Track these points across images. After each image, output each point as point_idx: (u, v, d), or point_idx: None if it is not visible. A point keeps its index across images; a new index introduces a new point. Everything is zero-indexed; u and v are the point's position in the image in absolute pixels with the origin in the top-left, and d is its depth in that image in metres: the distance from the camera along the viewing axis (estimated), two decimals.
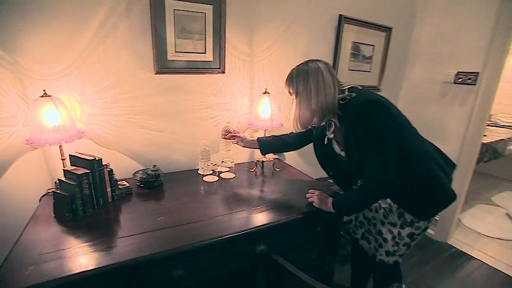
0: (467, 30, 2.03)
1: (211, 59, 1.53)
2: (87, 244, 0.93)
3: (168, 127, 1.54)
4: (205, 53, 1.51)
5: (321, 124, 1.24)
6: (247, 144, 1.46)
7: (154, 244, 0.94)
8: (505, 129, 3.40)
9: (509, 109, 3.76)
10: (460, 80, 2.07)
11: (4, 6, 1.09)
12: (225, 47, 1.54)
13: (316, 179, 2.14)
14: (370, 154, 1.00)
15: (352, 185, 1.30)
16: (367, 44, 2.08)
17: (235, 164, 1.62)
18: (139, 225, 1.06)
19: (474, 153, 2.14)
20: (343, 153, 1.21)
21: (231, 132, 1.46)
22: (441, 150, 1.18)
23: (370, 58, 2.16)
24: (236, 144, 1.48)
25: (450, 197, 1.07)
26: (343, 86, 1.10)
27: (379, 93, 1.18)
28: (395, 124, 1.01)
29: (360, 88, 1.08)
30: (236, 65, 1.63)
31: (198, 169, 1.57)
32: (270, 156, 1.72)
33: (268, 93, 1.58)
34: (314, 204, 1.24)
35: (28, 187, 1.28)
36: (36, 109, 1.12)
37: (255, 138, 1.46)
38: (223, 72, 1.58)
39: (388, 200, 1.16)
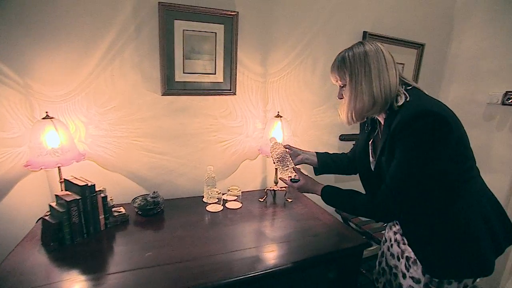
0: None
1: (221, 80, 1.46)
2: (66, 279, 0.84)
3: (174, 150, 1.46)
4: (215, 73, 1.43)
5: (369, 124, 1.06)
6: (303, 155, 1.21)
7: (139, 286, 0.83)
8: None
9: None
10: (510, 100, 1.79)
11: (17, 28, 1.10)
12: (236, 67, 1.46)
13: (336, 209, 1.94)
14: (396, 171, 0.82)
15: None
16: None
17: (242, 192, 1.49)
18: (128, 260, 0.95)
19: None
20: (374, 163, 1.00)
21: (280, 146, 1.19)
22: (505, 212, 0.93)
23: None
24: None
25: (483, 270, 0.83)
26: (407, 81, 0.92)
27: None
28: (450, 154, 0.80)
29: (424, 92, 0.90)
30: (248, 86, 1.53)
31: (203, 197, 1.46)
32: (283, 184, 1.56)
33: (281, 116, 1.45)
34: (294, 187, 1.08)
35: (29, 208, 1.25)
36: (37, 131, 1.10)
37: (312, 152, 1.24)
38: (234, 94, 1.49)
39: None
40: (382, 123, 0.95)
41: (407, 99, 0.84)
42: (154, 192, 1.33)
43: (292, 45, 1.58)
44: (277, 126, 1.44)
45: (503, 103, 1.83)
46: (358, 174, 1.11)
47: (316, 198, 1.63)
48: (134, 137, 1.37)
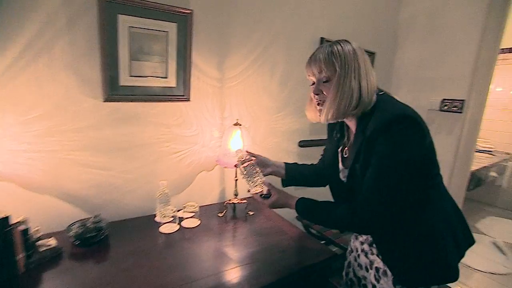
0: (451, 56, 1.95)
1: (174, 84, 1.31)
2: None
3: (120, 165, 1.27)
4: (166, 77, 1.28)
5: (337, 130, 1.01)
6: (271, 167, 1.14)
7: None
8: (484, 154, 3.38)
9: (483, 134, 3.77)
10: (446, 107, 1.97)
11: None
12: (190, 71, 1.32)
13: (296, 216, 1.92)
14: (375, 181, 0.79)
15: None
16: None
17: (200, 206, 1.36)
18: None
19: (463, 183, 2.01)
20: (345, 172, 0.95)
21: (248, 158, 1.09)
22: (463, 216, 0.96)
23: None
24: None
25: (450, 276, 0.85)
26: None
27: None
28: (423, 158, 0.80)
29: (394, 97, 0.88)
30: (204, 92, 1.41)
31: (156, 215, 1.30)
32: (243, 196, 1.48)
33: (240, 124, 1.36)
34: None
35: None
36: None
37: (280, 162, 1.17)
38: (188, 100, 1.36)
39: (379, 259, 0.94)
40: (353, 128, 0.92)
41: (379, 103, 0.83)
42: (95, 216, 1.13)
43: (250, 48, 1.50)
44: (237, 135, 1.34)
45: (441, 110, 2.01)
46: (328, 185, 1.08)
47: (279, 211, 1.59)
48: (68, 151, 1.15)
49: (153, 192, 1.32)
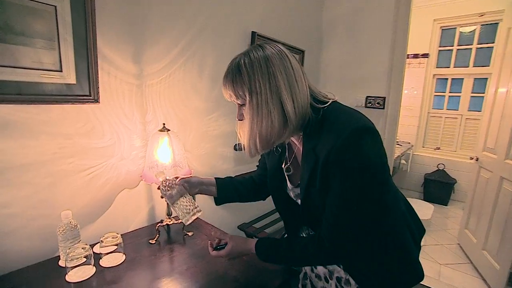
0: (370, 56, 2.09)
1: (73, 81, 0.98)
2: None
3: None
4: (61, 71, 0.95)
5: (279, 146, 0.87)
6: (205, 185, 0.98)
7: None
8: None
9: None
10: (370, 104, 2.10)
11: None
12: (97, 63, 1.01)
13: (238, 226, 1.76)
14: (339, 208, 0.68)
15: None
16: None
17: (124, 234, 1.07)
18: None
19: (390, 173, 2.18)
20: (296, 191, 0.84)
21: (173, 183, 0.91)
22: (412, 208, 0.93)
23: None
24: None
25: (418, 277, 0.80)
26: (320, 95, 0.74)
27: None
28: (383, 166, 0.70)
29: (343, 104, 0.75)
30: (117, 91, 1.11)
31: (59, 258, 0.95)
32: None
33: (168, 129, 1.11)
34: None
35: None
36: None
37: (210, 178, 1.00)
38: (96, 101, 1.04)
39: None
40: (299, 145, 0.80)
41: (329, 114, 0.70)
42: None
43: (174, 39, 1.27)
44: (164, 143, 1.09)
45: (366, 106, 2.13)
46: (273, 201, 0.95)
47: (216, 223, 1.39)
48: None
49: (51, 227, 0.97)
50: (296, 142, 0.81)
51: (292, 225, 0.96)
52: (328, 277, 0.90)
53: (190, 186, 0.94)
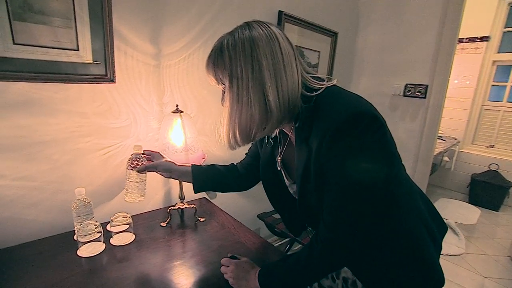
0: (413, 39, 1.86)
1: (89, 60, 0.98)
2: None
3: (14, 169, 0.92)
4: (77, 49, 0.95)
5: (271, 137, 0.80)
6: (175, 172, 0.93)
7: None
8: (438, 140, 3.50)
9: None
10: (409, 93, 1.89)
11: None
12: (113, 43, 1.01)
13: (258, 215, 1.72)
14: (337, 198, 0.60)
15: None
16: (312, 50, 1.76)
17: (138, 215, 1.08)
18: None
19: (427, 169, 1.97)
20: (293, 187, 0.80)
21: (142, 160, 0.92)
22: (432, 204, 0.81)
23: (316, 66, 1.85)
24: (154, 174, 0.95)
25: (437, 281, 0.69)
26: (314, 82, 0.65)
27: None
28: (388, 158, 0.61)
29: (340, 87, 0.66)
30: (134, 71, 1.10)
31: (75, 233, 0.99)
32: (190, 198, 1.22)
33: (181, 111, 1.08)
34: (230, 283, 0.79)
35: None
36: None
37: (188, 165, 0.95)
38: (113, 81, 1.04)
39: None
40: (291, 135, 0.71)
41: (323, 100, 0.61)
42: None
43: (193, 17, 1.22)
44: (177, 125, 1.06)
45: (404, 95, 1.92)
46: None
47: (233, 211, 1.36)
48: None
49: (70, 202, 1.00)
50: (290, 134, 0.73)
51: (293, 223, 0.89)
52: (335, 276, 0.83)
53: (159, 166, 0.92)
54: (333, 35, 1.88)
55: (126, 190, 0.93)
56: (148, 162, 0.93)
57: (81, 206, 0.96)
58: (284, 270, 0.71)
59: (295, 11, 1.59)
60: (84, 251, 0.92)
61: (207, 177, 0.95)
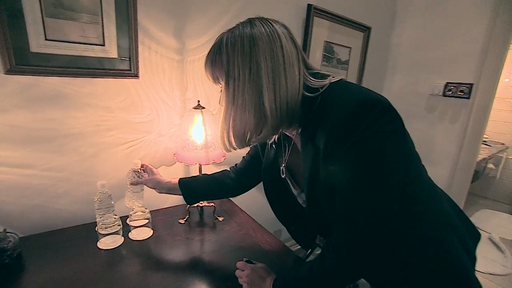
0: (458, 34, 1.69)
1: (115, 55, 1.00)
2: None
3: (43, 160, 0.96)
4: (103, 45, 0.97)
5: (273, 142, 0.76)
6: (163, 188, 0.97)
7: None
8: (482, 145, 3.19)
9: None
10: (450, 92, 1.72)
11: None
12: (137, 37, 1.01)
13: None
14: (347, 199, 0.54)
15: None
16: (342, 46, 1.66)
17: (156, 210, 1.09)
18: None
19: (468, 176, 1.79)
20: (302, 196, 0.74)
21: (139, 174, 1.00)
22: (459, 207, 0.72)
23: (346, 63, 1.75)
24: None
25: None
26: (317, 83, 0.59)
27: None
28: (405, 155, 0.55)
29: (351, 82, 0.61)
30: (157, 66, 1.10)
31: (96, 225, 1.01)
32: None
33: (203, 107, 1.06)
34: None
35: None
36: None
37: (176, 180, 0.96)
38: (136, 76, 1.05)
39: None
40: (296, 139, 0.67)
41: (329, 93, 0.56)
42: (4, 229, 0.83)
43: (219, 11, 1.20)
44: (198, 121, 1.05)
45: (444, 95, 1.76)
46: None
47: (252, 211, 1.32)
48: None
49: (92, 194, 1.03)
50: (294, 138, 0.68)
51: (302, 235, 0.84)
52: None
53: (151, 182, 0.99)
54: (365, 30, 1.77)
55: (126, 195, 1.02)
56: (144, 176, 1.01)
57: (102, 198, 0.97)
58: (298, 280, 0.66)
59: (325, 4, 1.51)
60: (104, 243, 0.94)
61: (197, 188, 0.96)
